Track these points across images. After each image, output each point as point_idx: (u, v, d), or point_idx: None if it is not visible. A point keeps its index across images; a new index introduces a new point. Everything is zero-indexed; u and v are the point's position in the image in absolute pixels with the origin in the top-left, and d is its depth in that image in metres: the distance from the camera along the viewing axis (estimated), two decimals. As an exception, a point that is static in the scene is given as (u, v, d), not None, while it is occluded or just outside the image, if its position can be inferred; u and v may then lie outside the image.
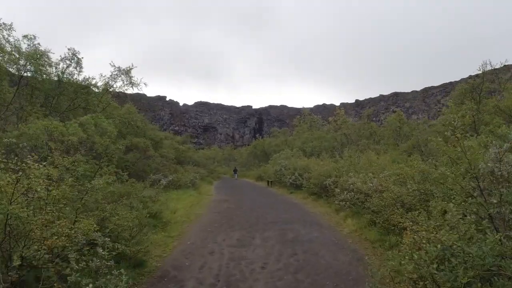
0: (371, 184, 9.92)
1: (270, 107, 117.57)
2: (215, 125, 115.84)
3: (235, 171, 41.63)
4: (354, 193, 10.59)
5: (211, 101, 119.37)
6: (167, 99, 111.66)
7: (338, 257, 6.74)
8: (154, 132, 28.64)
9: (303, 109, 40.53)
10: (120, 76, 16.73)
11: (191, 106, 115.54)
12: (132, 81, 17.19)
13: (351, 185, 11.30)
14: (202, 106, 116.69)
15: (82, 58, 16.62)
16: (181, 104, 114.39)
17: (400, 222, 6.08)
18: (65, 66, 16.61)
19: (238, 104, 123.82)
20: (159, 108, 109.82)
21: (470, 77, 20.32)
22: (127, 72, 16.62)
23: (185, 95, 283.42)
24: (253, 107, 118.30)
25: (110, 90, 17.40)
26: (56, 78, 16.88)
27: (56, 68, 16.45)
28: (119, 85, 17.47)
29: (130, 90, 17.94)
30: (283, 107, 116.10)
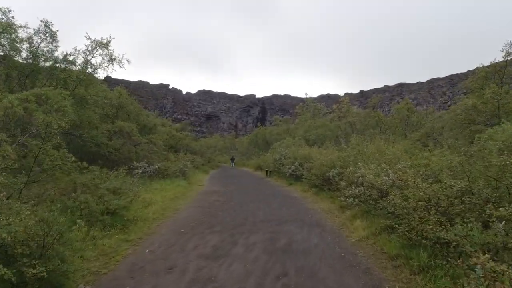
0: (386, 178, 7.78)
1: (274, 96, 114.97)
2: (218, 114, 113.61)
3: (232, 159, 40.51)
4: (364, 188, 8.45)
5: (214, 90, 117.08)
6: (170, 87, 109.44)
7: (346, 282, 4.64)
8: (147, 118, 26.56)
9: (307, 98, 38.09)
10: (97, 50, 14.55)
11: (194, 94, 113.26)
12: (112, 56, 15.02)
13: (360, 178, 9.16)
14: (205, 95, 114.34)
15: (57, 31, 14.49)
16: (184, 92, 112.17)
17: (444, 238, 3.95)
18: (39, 40, 14.56)
19: (242, 93, 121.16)
20: (161, 96, 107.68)
21: (477, 69, 17.93)
22: (105, 45, 14.43)
23: (188, 83, 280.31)
24: (257, 96, 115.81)
25: (89, 67, 15.20)
26: (29, 54, 14.87)
27: (30, 44, 14.44)
28: (99, 62, 15.29)
29: (114, 71, 15.77)
30: (287, 97, 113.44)
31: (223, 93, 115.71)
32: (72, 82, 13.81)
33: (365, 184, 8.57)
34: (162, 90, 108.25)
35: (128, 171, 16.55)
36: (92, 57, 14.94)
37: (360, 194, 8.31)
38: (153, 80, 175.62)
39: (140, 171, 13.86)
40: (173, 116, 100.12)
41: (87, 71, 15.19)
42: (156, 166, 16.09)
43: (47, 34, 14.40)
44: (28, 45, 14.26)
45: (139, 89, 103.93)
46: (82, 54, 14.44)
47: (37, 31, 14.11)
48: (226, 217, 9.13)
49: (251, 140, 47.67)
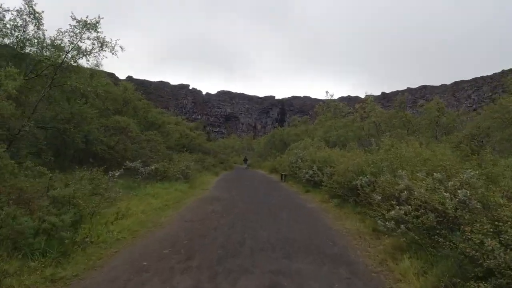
0: (448, 195, 5.02)
1: (293, 97, 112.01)
2: (237, 114, 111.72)
3: (245, 160, 38.57)
4: (413, 208, 5.69)
5: (234, 91, 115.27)
6: (190, 87, 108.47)
7: None
8: (155, 115, 24.44)
9: (328, 100, 35.03)
10: (85, 33, 12.37)
11: (214, 95, 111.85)
12: (104, 40, 12.84)
13: (405, 192, 6.40)
14: (224, 95, 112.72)
15: (42, 12, 12.46)
16: (204, 92, 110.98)
17: None
18: (23, 24, 12.60)
19: (261, 94, 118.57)
20: (182, 96, 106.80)
21: (503, 71, 14.74)
22: (93, 27, 12.23)
23: (208, 84, 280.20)
24: (276, 98, 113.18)
25: (78, 54, 13.04)
26: (13, 40, 12.94)
27: (15, 29, 12.53)
28: (89, 47, 13.13)
29: (104, 57, 13.60)
30: (306, 98, 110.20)
31: (243, 94, 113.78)
32: (45, 67, 11.68)
33: (413, 202, 5.82)
34: (183, 91, 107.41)
35: (124, 172, 14.38)
36: (79, 40, 12.77)
37: (408, 217, 5.56)
38: (174, 81, 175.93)
39: (148, 172, 11.65)
40: (193, 117, 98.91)
41: (76, 58, 13.07)
42: (152, 167, 13.75)
43: (31, 16, 12.43)
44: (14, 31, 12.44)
45: (160, 89, 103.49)
46: (68, 37, 12.28)
47: (20, 13, 12.16)
48: (217, 238, 6.58)
49: (267, 141, 45.03)
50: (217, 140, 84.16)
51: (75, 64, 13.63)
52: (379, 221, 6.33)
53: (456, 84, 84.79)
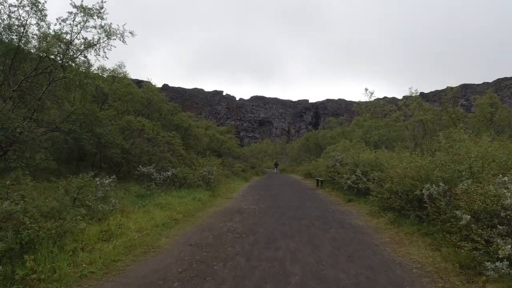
0: None
1: (327, 100, 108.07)
2: (271, 119, 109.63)
3: (276, 165, 36.75)
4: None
5: (267, 96, 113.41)
6: (224, 93, 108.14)
7: None
8: (181, 117, 22.83)
9: (366, 102, 31.71)
10: (88, 21, 10.77)
11: (247, 100, 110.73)
12: (110, 29, 11.20)
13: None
14: (258, 101, 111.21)
15: (45, 2, 11.04)
16: (237, 98, 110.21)
17: None
18: (26, 16, 11.23)
19: (294, 98, 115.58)
20: (216, 102, 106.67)
21: None
22: (96, 12, 10.60)
23: (241, 90, 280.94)
24: (310, 101, 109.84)
25: (84, 46, 11.50)
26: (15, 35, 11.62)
27: (16, 19, 11.19)
28: (95, 37, 11.55)
29: (113, 47, 11.99)
30: (341, 101, 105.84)
31: (276, 98, 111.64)
32: (49, 64, 10.20)
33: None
34: (216, 97, 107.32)
35: (137, 178, 12.67)
36: (81, 29, 11.20)
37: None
38: (208, 88, 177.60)
39: (165, 177, 9.83)
40: (227, 122, 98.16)
41: (82, 51, 11.55)
42: (169, 173, 11.86)
43: (33, 8, 11.06)
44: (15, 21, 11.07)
45: (194, 96, 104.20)
46: (68, 26, 10.72)
47: (20, 3, 10.82)
48: (225, 282, 4.34)
49: (301, 144, 42.32)
50: (250, 145, 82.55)
51: (83, 59, 12.17)
52: (488, 264, 3.78)
53: (498, 81, 78.21)
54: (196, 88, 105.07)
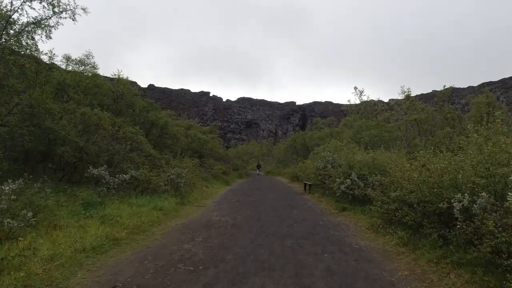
0: None
1: (315, 103, 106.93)
2: (258, 121, 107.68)
3: (258, 166, 35.97)
4: None
5: (254, 97, 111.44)
6: (211, 94, 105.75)
7: None
8: (155, 114, 20.50)
9: (353, 105, 29.92)
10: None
11: (234, 101, 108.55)
12: (59, 3, 8.99)
13: None
14: (245, 102, 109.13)
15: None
16: (224, 99, 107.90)
17: None
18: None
19: (282, 100, 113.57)
20: (202, 103, 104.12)
21: None
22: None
23: (228, 91, 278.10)
24: (297, 103, 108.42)
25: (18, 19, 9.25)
26: None
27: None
28: (41, 14, 9.31)
29: (60, 25, 9.78)
30: (328, 103, 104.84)
31: (263, 100, 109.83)
32: None
33: None
34: (203, 98, 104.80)
35: (87, 182, 10.43)
36: (24, 1, 8.95)
37: None
38: (194, 88, 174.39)
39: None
40: (213, 123, 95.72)
41: (27, 30, 9.29)
42: (126, 176, 9.64)
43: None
44: None
45: (180, 97, 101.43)
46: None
47: None
48: None
49: (288, 145, 40.36)
50: (237, 146, 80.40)
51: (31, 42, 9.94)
52: None
53: (483, 85, 78.61)
54: (182, 89, 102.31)
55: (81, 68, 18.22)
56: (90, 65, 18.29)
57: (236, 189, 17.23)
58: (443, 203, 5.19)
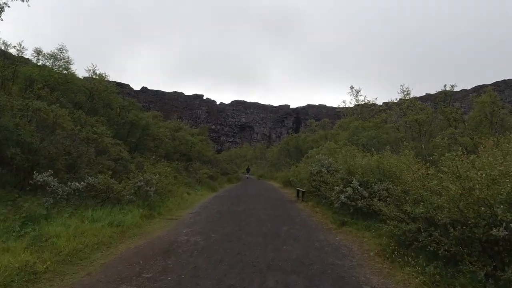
0: None
1: (309, 106, 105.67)
2: (252, 124, 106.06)
3: (247, 170, 35.66)
4: None
5: (248, 100, 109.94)
6: (204, 97, 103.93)
7: None
8: (136, 114, 18.61)
9: (347, 108, 28.26)
10: None
11: (228, 104, 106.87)
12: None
13: None
14: (239, 105, 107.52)
15: None
16: (218, 102, 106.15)
17: None
18: None
19: (276, 103, 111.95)
20: (196, 106, 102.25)
21: None
22: None
23: (222, 94, 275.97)
24: (291, 107, 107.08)
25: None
26: None
27: None
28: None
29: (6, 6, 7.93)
30: (322, 107, 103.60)
31: (257, 103, 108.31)
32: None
33: None
34: (197, 101, 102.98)
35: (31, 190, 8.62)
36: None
37: None
38: (188, 91, 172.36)
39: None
40: (203, 125, 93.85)
41: None
42: (80, 184, 7.81)
43: None
44: None
45: (174, 99, 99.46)
46: None
47: None
48: None
49: (281, 148, 38.61)
50: (230, 149, 78.58)
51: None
52: None
53: (477, 88, 77.94)
54: (175, 92, 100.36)
55: (56, 63, 16.47)
56: (63, 60, 16.50)
57: (222, 196, 15.38)
58: (499, 229, 3.46)
